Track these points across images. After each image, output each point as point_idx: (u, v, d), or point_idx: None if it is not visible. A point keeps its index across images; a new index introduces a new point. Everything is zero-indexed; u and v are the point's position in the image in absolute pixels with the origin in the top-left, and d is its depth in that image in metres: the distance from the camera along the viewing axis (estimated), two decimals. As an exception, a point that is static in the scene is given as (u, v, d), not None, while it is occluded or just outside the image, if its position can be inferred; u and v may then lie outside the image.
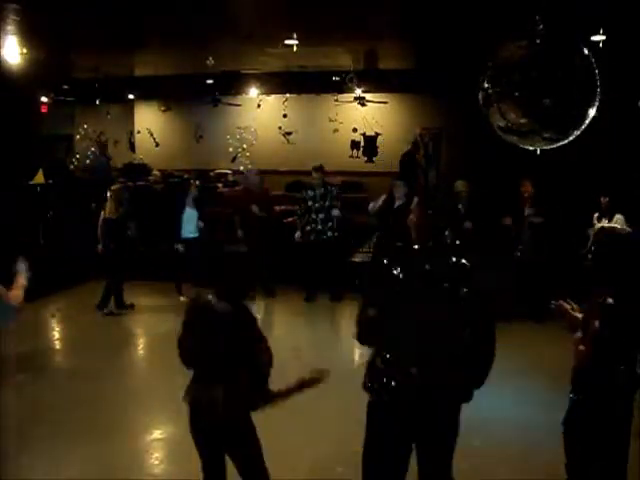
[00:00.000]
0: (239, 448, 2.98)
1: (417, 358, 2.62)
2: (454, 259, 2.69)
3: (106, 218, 7.51)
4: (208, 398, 2.86)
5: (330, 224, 8.25)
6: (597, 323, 2.90)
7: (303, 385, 3.06)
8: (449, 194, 8.02)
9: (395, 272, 2.66)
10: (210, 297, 2.95)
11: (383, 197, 8.03)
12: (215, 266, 3.02)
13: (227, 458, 3.05)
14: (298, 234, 8.37)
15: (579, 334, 3.01)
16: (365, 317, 2.72)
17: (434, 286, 2.64)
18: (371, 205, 8.10)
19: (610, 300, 2.89)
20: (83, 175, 11.66)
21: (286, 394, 3.03)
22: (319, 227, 8.25)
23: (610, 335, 2.88)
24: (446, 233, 2.81)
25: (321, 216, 8.23)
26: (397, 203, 7.68)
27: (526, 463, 4.12)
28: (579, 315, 3.10)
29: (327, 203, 8.24)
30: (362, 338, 2.79)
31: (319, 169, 8.40)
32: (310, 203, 8.28)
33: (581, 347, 2.96)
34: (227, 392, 2.84)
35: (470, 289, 2.65)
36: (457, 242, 2.77)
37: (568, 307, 3.18)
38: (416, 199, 2.92)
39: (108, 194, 7.60)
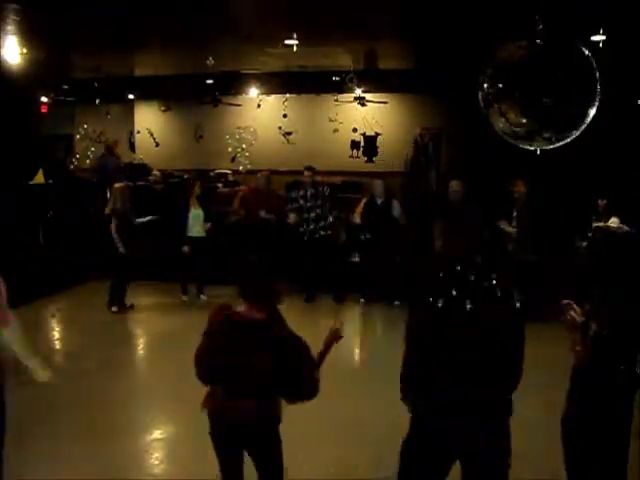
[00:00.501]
0: (265, 457, 2.89)
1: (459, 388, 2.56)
2: (501, 294, 2.54)
3: (108, 215, 7.57)
4: (236, 410, 2.73)
5: (322, 223, 8.30)
6: (595, 324, 2.91)
7: (329, 345, 2.93)
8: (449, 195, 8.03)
9: (437, 307, 2.53)
10: (241, 307, 2.76)
11: (363, 201, 8.31)
12: (248, 272, 2.84)
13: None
14: (292, 216, 8.40)
15: (578, 335, 3.02)
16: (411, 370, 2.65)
17: (477, 326, 2.52)
18: (354, 217, 8.32)
19: (609, 301, 2.90)
20: (91, 177, 11.43)
21: (320, 360, 2.89)
22: (311, 227, 8.29)
23: (609, 336, 2.88)
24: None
25: (312, 215, 8.27)
26: (378, 201, 8.15)
27: (526, 463, 4.12)
28: (580, 319, 3.08)
29: (319, 202, 8.27)
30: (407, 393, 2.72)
31: (309, 168, 8.47)
32: (302, 202, 8.32)
33: (578, 348, 2.97)
34: (259, 407, 2.72)
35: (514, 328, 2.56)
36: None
37: (573, 311, 3.18)
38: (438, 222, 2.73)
39: (110, 192, 7.65)
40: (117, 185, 7.86)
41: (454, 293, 2.53)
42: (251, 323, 2.70)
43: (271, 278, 2.80)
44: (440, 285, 2.58)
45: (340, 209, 8.74)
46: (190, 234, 8.10)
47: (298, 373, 2.72)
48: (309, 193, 8.31)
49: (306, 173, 8.41)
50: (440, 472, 2.70)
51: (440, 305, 2.53)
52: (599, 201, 7.42)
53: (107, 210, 7.67)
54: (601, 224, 7.22)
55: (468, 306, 2.51)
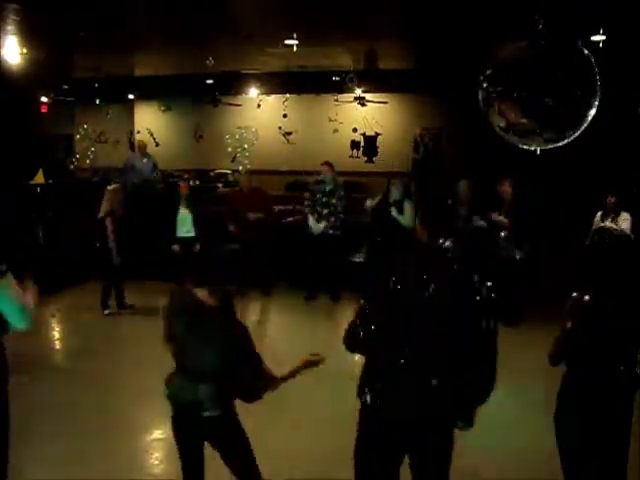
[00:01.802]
0: (229, 445, 2.96)
1: (412, 374, 2.51)
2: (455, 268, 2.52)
3: (102, 217, 7.48)
4: (192, 396, 2.85)
5: (333, 220, 8.24)
6: (569, 321, 2.93)
7: (304, 366, 3.05)
8: (452, 194, 8.02)
9: (391, 282, 2.52)
10: (200, 292, 2.90)
11: (379, 197, 8.18)
12: (203, 262, 3.00)
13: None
14: (312, 222, 8.31)
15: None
16: (354, 327, 2.63)
17: (432, 298, 2.48)
18: (368, 202, 8.18)
19: (586, 298, 2.90)
20: (121, 179, 10.63)
21: (288, 377, 3.01)
22: (322, 223, 8.25)
23: (581, 333, 2.89)
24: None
25: (325, 211, 8.23)
26: (391, 200, 7.94)
27: (526, 463, 4.12)
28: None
29: (333, 200, 8.23)
30: (350, 346, 2.71)
31: (327, 164, 8.37)
32: (318, 196, 8.27)
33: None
34: (213, 391, 2.82)
35: (471, 302, 2.50)
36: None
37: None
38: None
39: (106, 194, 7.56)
40: (111, 187, 7.73)
41: (406, 275, 2.53)
42: (203, 307, 2.85)
43: (226, 269, 2.92)
44: (396, 267, 2.58)
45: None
46: (179, 234, 8.11)
47: (247, 358, 2.84)
48: (327, 189, 8.28)
49: (325, 168, 8.30)
50: (391, 468, 2.69)
51: (391, 287, 2.51)
52: (608, 198, 7.38)
53: (102, 213, 7.48)
54: (608, 223, 7.21)
55: (422, 290, 2.48)
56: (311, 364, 3.07)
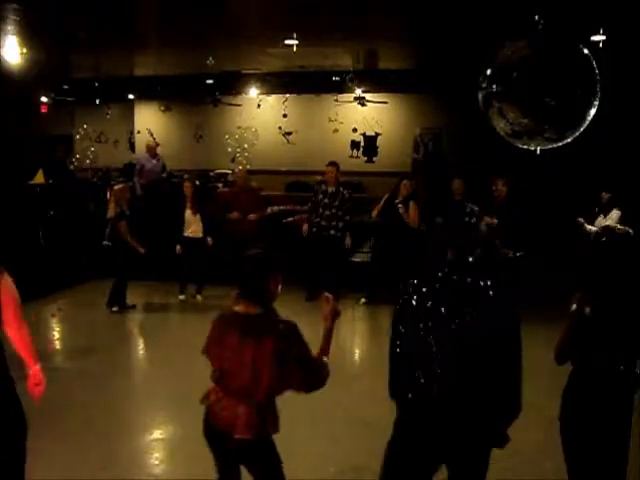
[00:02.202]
0: (261, 465, 2.85)
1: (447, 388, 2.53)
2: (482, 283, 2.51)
3: (112, 218, 7.51)
4: (227, 414, 2.71)
5: (334, 223, 8.21)
6: (574, 321, 2.93)
7: (330, 323, 2.94)
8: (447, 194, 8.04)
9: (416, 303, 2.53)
10: (239, 306, 2.76)
11: (384, 198, 8.15)
12: (245, 271, 2.80)
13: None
14: (305, 227, 8.32)
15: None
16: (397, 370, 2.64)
17: (459, 317, 2.49)
18: (374, 213, 8.17)
19: (590, 297, 2.90)
20: (139, 182, 10.66)
21: (326, 342, 2.91)
22: (323, 223, 8.23)
23: (585, 333, 2.89)
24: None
25: (327, 213, 8.21)
26: (397, 200, 7.91)
27: (527, 463, 4.12)
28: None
29: (336, 203, 8.21)
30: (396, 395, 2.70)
31: (333, 164, 8.32)
32: (320, 197, 8.25)
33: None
34: (250, 412, 2.68)
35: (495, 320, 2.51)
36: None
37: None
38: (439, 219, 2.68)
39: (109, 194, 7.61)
40: (118, 187, 7.77)
41: (425, 291, 2.53)
42: (248, 316, 2.72)
43: (266, 276, 2.77)
44: (419, 283, 2.57)
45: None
46: (185, 234, 8.11)
47: (304, 356, 2.71)
48: (330, 190, 8.25)
49: (329, 169, 8.25)
50: (428, 475, 2.69)
51: (414, 303, 2.53)
52: (603, 194, 7.42)
53: (111, 213, 7.51)
54: (601, 220, 7.24)
55: (442, 307, 2.48)
56: (335, 315, 2.92)
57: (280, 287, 2.82)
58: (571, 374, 3.04)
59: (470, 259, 2.55)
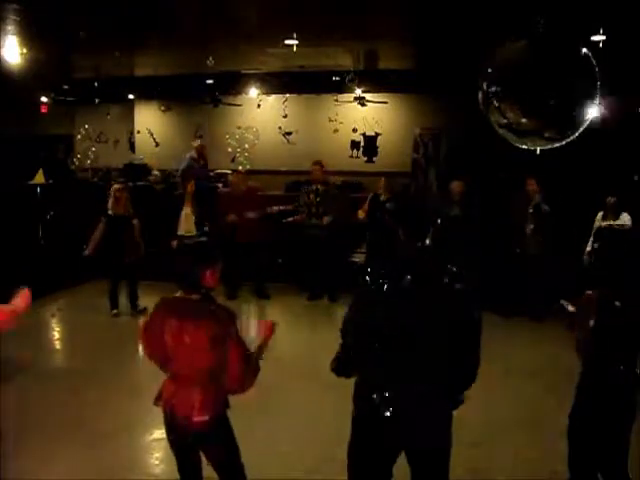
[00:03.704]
0: (217, 448, 2.97)
1: (397, 375, 2.57)
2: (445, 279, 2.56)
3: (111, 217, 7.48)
4: (183, 401, 2.83)
5: (327, 221, 8.25)
6: (593, 319, 2.92)
7: (266, 339, 3.07)
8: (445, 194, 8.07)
9: (372, 290, 2.59)
10: (179, 293, 2.92)
11: (369, 197, 8.28)
12: (177, 259, 3.01)
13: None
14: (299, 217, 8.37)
15: (579, 335, 3.03)
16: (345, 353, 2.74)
17: (419, 307, 2.55)
18: (359, 214, 8.25)
19: (606, 295, 2.90)
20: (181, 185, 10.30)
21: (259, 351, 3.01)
22: (314, 220, 8.26)
23: (607, 328, 2.89)
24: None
25: (320, 210, 8.24)
26: (382, 199, 8.08)
27: (525, 463, 4.12)
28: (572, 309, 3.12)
29: (327, 201, 8.25)
30: (341, 373, 2.81)
31: (318, 163, 8.38)
32: (312, 197, 8.27)
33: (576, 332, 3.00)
34: (203, 394, 2.81)
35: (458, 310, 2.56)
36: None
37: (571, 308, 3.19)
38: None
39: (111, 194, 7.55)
40: (117, 186, 7.71)
41: (385, 275, 2.58)
42: (187, 300, 2.87)
43: (202, 266, 2.89)
44: (377, 270, 2.63)
45: (340, 209, 8.68)
46: (180, 233, 8.10)
47: (241, 342, 2.81)
48: (319, 190, 8.27)
49: (314, 167, 8.29)
50: (385, 467, 2.72)
51: (373, 287, 2.58)
52: (608, 198, 7.41)
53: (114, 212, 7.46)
54: (612, 222, 7.25)
55: (400, 288, 2.53)
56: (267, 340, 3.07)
57: (218, 277, 2.94)
58: (582, 373, 3.04)
59: (421, 242, 2.61)
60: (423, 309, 2.54)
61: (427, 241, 2.63)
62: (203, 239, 3.05)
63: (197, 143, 10.86)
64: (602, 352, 2.90)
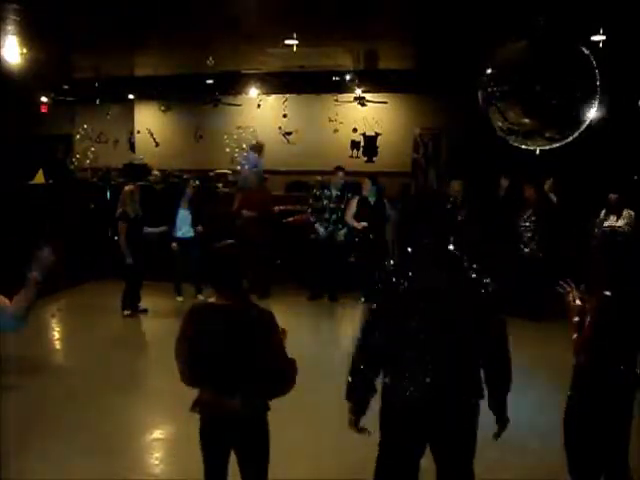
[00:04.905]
0: (254, 450, 2.93)
1: (427, 367, 2.60)
2: (472, 275, 2.62)
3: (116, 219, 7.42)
4: (225, 410, 2.78)
5: (340, 226, 8.30)
6: (593, 315, 2.93)
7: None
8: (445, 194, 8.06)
9: (400, 288, 2.61)
10: (212, 299, 2.85)
11: (354, 201, 8.23)
12: (210, 264, 2.91)
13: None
14: (322, 230, 8.35)
15: (575, 335, 3.03)
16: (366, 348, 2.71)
17: (444, 303, 2.58)
18: (351, 221, 8.23)
19: (607, 293, 2.90)
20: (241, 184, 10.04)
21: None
22: (331, 227, 8.28)
23: (606, 326, 2.89)
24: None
25: (334, 217, 8.27)
26: (371, 201, 8.15)
27: (525, 463, 4.12)
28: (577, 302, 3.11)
29: (342, 206, 8.28)
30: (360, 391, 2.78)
31: (340, 169, 8.41)
32: (326, 202, 8.30)
33: (575, 335, 3.00)
34: (245, 403, 2.76)
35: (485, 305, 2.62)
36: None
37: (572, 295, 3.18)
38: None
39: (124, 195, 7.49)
40: (127, 187, 7.62)
41: (412, 275, 2.60)
42: (223, 308, 2.79)
43: (239, 268, 2.85)
44: (403, 269, 2.66)
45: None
46: (176, 234, 8.09)
47: (278, 349, 2.79)
48: (334, 194, 8.30)
49: (340, 174, 8.33)
50: (413, 456, 2.73)
51: (402, 286, 2.60)
52: (610, 196, 7.40)
53: (127, 213, 7.38)
54: (613, 221, 7.25)
55: (431, 285, 2.56)
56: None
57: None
58: (575, 372, 3.04)
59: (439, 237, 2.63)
60: (456, 304, 2.58)
61: (450, 238, 2.66)
62: (233, 242, 2.98)
63: (258, 142, 10.81)
64: (602, 352, 2.90)
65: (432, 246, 2.64)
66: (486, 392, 2.69)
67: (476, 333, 2.60)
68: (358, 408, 2.79)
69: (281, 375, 2.80)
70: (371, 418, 2.80)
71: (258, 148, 10.50)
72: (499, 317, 2.68)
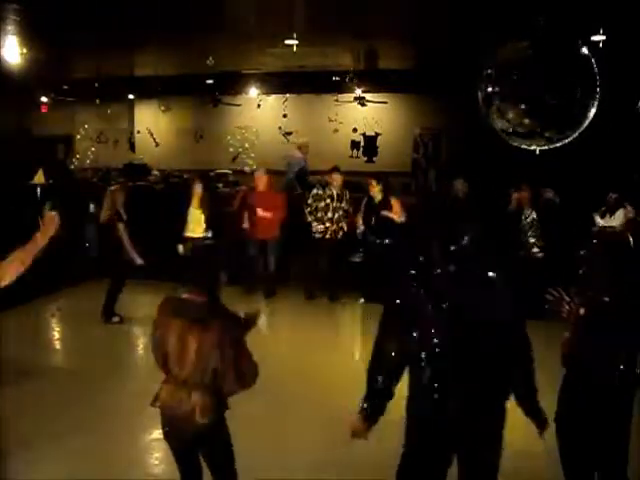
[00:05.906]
0: (216, 450, 3.00)
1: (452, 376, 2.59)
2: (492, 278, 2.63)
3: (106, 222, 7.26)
4: (183, 405, 2.84)
5: (342, 225, 8.29)
6: (592, 319, 2.93)
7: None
8: (446, 194, 8.06)
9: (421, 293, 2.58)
10: (186, 294, 2.90)
11: (363, 203, 8.19)
12: (186, 261, 3.05)
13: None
14: (321, 227, 8.32)
15: (567, 334, 3.04)
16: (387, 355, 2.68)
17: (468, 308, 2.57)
18: (358, 226, 8.19)
19: (604, 296, 2.90)
20: (293, 188, 10.07)
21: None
22: (333, 227, 8.29)
23: (600, 326, 2.89)
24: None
25: (336, 216, 8.29)
26: (376, 201, 8.00)
27: (525, 463, 4.12)
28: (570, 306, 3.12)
29: (342, 204, 8.29)
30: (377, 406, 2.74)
31: (337, 170, 8.39)
32: (328, 201, 8.31)
33: (567, 334, 3.01)
34: (203, 398, 2.81)
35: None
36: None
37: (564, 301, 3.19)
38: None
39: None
40: (114, 187, 7.40)
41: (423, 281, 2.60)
42: (195, 302, 2.84)
43: (211, 265, 2.93)
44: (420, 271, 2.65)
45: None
46: (187, 234, 8.02)
47: (242, 350, 2.82)
48: (335, 193, 8.32)
49: (335, 176, 8.30)
50: (445, 468, 2.72)
51: (423, 290, 2.58)
52: (610, 195, 7.43)
53: (104, 217, 7.08)
54: (607, 220, 7.27)
55: (455, 288, 2.55)
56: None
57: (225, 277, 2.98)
58: (566, 375, 3.04)
59: (459, 246, 2.59)
60: (480, 306, 2.57)
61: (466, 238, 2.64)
62: (213, 242, 3.07)
63: (302, 141, 10.71)
64: (602, 352, 2.90)
65: (456, 250, 2.61)
66: (514, 399, 2.70)
67: (499, 337, 2.59)
68: (371, 412, 2.74)
69: (239, 377, 2.82)
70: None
71: (304, 148, 10.42)
72: (521, 320, 2.70)
